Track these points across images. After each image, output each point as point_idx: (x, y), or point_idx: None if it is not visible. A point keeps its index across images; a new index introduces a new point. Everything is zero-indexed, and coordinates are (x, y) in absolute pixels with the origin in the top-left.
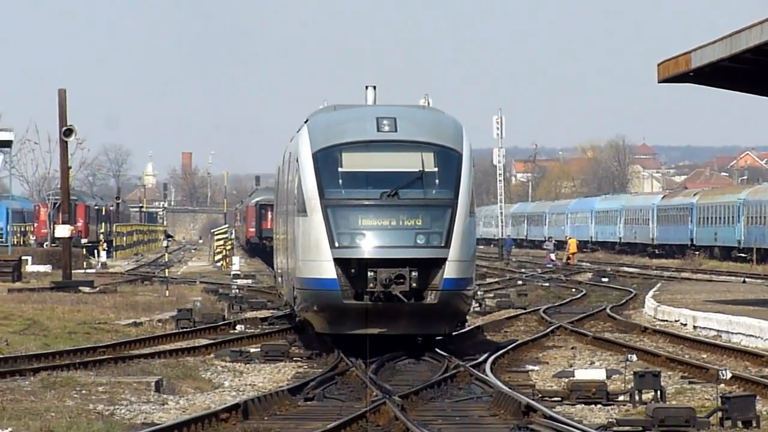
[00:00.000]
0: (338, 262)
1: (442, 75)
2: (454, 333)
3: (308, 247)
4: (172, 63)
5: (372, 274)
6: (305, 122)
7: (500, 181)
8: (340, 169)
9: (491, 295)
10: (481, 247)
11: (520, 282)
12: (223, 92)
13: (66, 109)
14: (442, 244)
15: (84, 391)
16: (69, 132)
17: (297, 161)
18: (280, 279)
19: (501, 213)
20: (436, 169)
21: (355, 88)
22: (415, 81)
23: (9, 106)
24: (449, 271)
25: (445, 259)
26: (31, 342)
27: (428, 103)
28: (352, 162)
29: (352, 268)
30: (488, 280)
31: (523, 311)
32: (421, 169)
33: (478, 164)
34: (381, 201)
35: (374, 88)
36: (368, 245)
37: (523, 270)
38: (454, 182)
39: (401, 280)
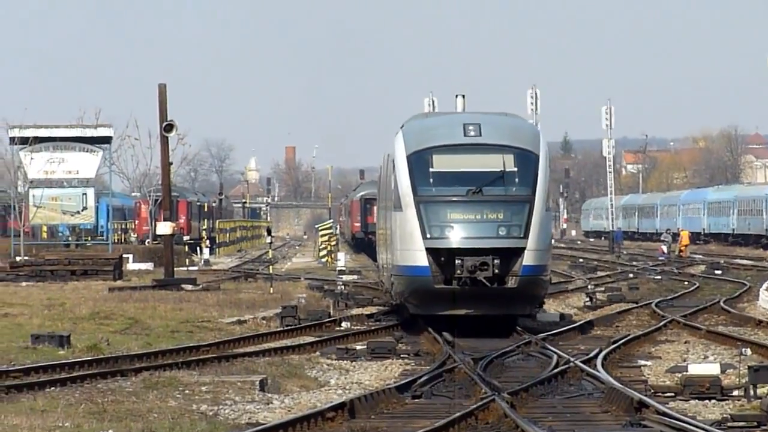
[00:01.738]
0: (429, 251)
1: (549, 66)
2: (556, 332)
3: (403, 238)
4: (276, 55)
5: (459, 261)
6: (401, 128)
7: (610, 172)
8: (431, 170)
9: (602, 288)
10: (591, 240)
11: (631, 275)
12: (328, 85)
13: (166, 104)
14: (521, 235)
15: (187, 391)
16: (170, 127)
17: (393, 162)
18: (384, 273)
19: (611, 205)
20: (515, 169)
21: (458, 84)
22: (521, 73)
23: (109, 101)
24: (527, 258)
25: (523, 249)
26: (132, 341)
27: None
28: (441, 163)
29: (441, 256)
30: (599, 274)
31: (635, 305)
32: (503, 169)
33: (587, 155)
34: (467, 197)
35: (463, 96)
36: (456, 236)
37: (634, 263)
38: (531, 180)
39: (485, 267)
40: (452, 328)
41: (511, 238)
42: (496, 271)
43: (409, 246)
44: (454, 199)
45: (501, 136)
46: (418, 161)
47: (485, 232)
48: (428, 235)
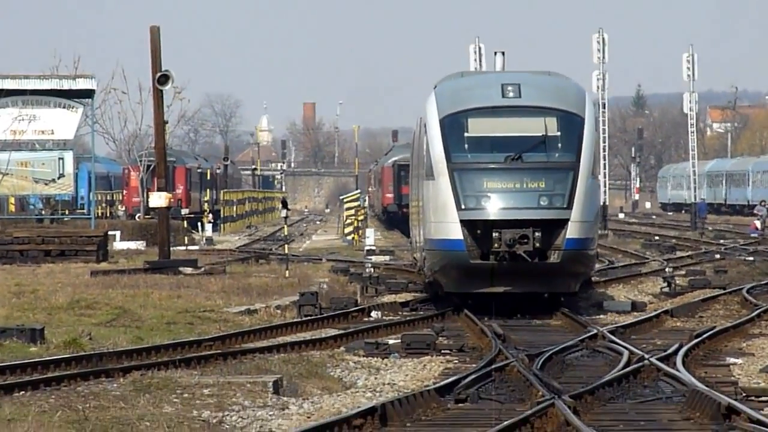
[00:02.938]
0: (464, 223)
1: (619, 7)
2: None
3: (436, 209)
4: None
5: (497, 234)
6: (434, 88)
7: (692, 132)
8: (466, 134)
9: (682, 272)
10: (669, 213)
11: (717, 256)
12: (354, 28)
13: (160, 51)
14: (565, 206)
15: (186, 395)
16: (164, 79)
17: (425, 127)
18: (417, 250)
19: (693, 172)
20: (558, 133)
21: (510, 30)
22: (586, 15)
23: (90, 47)
24: (571, 231)
25: (567, 220)
26: (120, 335)
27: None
28: (477, 127)
29: (477, 229)
30: (678, 254)
31: (722, 291)
32: (544, 133)
33: (664, 112)
34: (505, 164)
35: (503, 54)
36: (493, 207)
37: (721, 241)
38: (576, 146)
39: (525, 241)
40: (490, 309)
41: (553, 208)
42: (537, 244)
43: (442, 218)
44: (492, 166)
45: (543, 97)
46: (452, 125)
47: (525, 203)
48: (463, 206)
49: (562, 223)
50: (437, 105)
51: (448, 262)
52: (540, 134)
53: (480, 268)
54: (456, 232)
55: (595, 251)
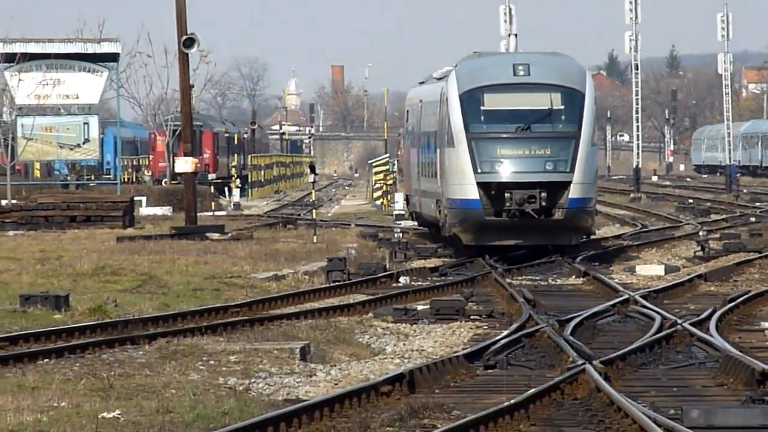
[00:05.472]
0: (480, 185)
1: None
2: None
3: (455, 173)
4: None
5: (509, 195)
6: (454, 67)
7: (727, 93)
8: (482, 108)
9: (717, 235)
10: (704, 176)
11: (752, 219)
12: None
13: (185, 14)
14: (568, 170)
15: (212, 362)
16: (190, 42)
17: (446, 101)
18: (424, 204)
19: (728, 134)
20: (562, 107)
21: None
22: None
23: (115, 10)
24: (573, 191)
25: (570, 182)
26: (146, 302)
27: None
28: (492, 101)
29: (492, 190)
30: (713, 217)
31: (758, 255)
32: (550, 106)
33: (699, 73)
34: (516, 134)
35: (516, 35)
36: (506, 171)
37: (757, 204)
38: (577, 118)
39: (533, 200)
40: (502, 258)
41: (557, 172)
42: (544, 203)
43: (461, 180)
44: (504, 135)
45: (549, 75)
46: (470, 100)
47: (533, 167)
48: (479, 170)
49: (566, 184)
50: (457, 82)
51: (467, 218)
52: (546, 107)
53: (494, 224)
54: (473, 193)
55: (593, 209)
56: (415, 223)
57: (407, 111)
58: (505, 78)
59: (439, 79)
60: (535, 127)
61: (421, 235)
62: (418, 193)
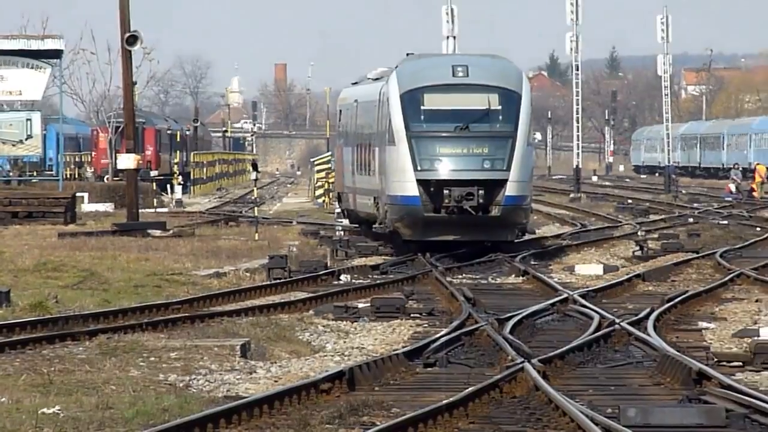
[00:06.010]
0: (420, 182)
1: None
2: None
3: (396, 170)
4: None
5: (447, 192)
6: (395, 68)
7: (666, 95)
8: (422, 107)
9: (655, 235)
10: (643, 176)
11: (691, 219)
12: None
13: (129, 11)
14: (504, 168)
15: (152, 358)
16: (133, 39)
17: (387, 101)
18: (349, 198)
19: (667, 135)
20: (499, 107)
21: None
22: None
23: (57, 7)
24: (510, 189)
25: (506, 180)
26: (87, 298)
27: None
28: (431, 101)
29: (431, 187)
30: (652, 218)
31: (695, 255)
32: (488, 107)
33: (638, 75)
34: (455, 133)
35: (454, 38)
36: (444, 169)
37: (695, 205)
38: (514, 118)
39: (471, 197)
40: (444, 256)
41: (494, 170)
42: (481, 200)
43: (401, 178)
44: (443, 134)
45: (487, 76)
46: (411, 100)
47: (471, 165)
48: (419, 168)
49: (502, 182)
50: (398, 82)
51: (407, 214)
52: (484, 108)
53: (433, 220)
54: (413, 190)
55: (529, 206)
56: (347, 221)
57: (340, 111)
58: (444, 79)
59: (376, 79)
60: (473, 127)
61: (362, 234)
62: (352, 191)
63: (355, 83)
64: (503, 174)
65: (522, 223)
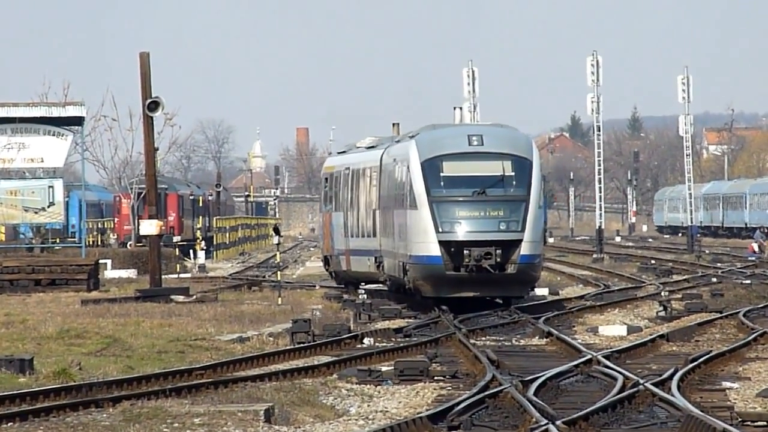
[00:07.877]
0: (441, 243)
1: (613, 28)
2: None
3: (418, 232)
4: (282, 15)
5: (467, 251)
6: (412, 138)
7: (688, 155)
8: (441, 174)
9: (679, 295)
10: (666, 236)
11: (714, 279)
12: (346, 53)
13: (150, 77)
14: (519, 229)
15: (176, 424)
16: (154, 105)
17: (408, 168)
18: (341, 260)
19: (690, 195)
20: (513, 173)
21: (502, 53)
22: (580, 37)
23: (80, 74)
24: (524, 249)
25: (521, 240)
26: (110, 365)
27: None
28: (450, 168)
29: (452, 247)
30: (675, 278)
31: (719, 315)
32: (502, 173)
33: (660, 135)
34: (473, 198)
35: (461, 108)
36: (463, 230)
37: (718, 264)
38: (527, 183)
39: (489, 256)
40: (467, 319)
41: (510, 231)
42: (498, 259)
43: (423, 239)
44: (462, 199)
45: (500, 145)
46: (431, 167)
47: (488, 227)
48: (440, 230)
49: (517, 242)
50: (418, 151)
51: (429, 273)
52: (499, 174)
53: (453, 278)
54: (435, 250)
55: (541, 263)
56: (334, 282)
57: (325, 179)
58: (461, 147)
59: (369, 147)
60: (489, 192)
61: (386, 297)
62: (343, 253)
63: (342, 152)
64: (518, 234)
65: (535, 279)
